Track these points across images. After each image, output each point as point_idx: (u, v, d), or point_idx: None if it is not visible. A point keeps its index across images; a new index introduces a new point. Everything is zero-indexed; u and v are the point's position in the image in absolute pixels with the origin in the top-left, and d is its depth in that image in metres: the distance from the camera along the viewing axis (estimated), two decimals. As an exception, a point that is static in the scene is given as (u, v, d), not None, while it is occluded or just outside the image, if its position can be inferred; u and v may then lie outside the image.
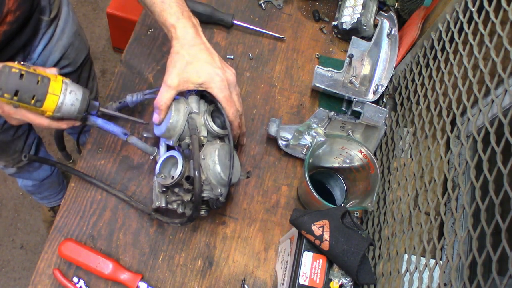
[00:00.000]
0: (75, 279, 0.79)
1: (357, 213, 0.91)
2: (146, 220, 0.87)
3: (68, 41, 1.06)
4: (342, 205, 0.91)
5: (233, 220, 0.90)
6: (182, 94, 0.80)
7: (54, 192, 1.56)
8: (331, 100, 1.04)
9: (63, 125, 0.75)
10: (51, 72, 0.73)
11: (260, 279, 0.86)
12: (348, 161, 0.91)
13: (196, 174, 0.70)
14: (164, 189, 0.79)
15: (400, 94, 0.95)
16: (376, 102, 0.99)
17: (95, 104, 0.76)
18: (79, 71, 1.18)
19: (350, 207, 0.85)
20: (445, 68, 0.78)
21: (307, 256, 0.71)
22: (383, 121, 0.93)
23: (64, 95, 0.70)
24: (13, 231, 1.80)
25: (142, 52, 1.02)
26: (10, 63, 0.68)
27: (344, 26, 1.09)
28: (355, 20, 1.07)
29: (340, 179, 0.96)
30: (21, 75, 0.67)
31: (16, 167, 1.27)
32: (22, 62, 0.70)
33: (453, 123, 0.72)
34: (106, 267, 0.79)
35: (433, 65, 0.83)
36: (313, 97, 1.05)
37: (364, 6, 1.09)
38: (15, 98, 0.67)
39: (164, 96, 0.76)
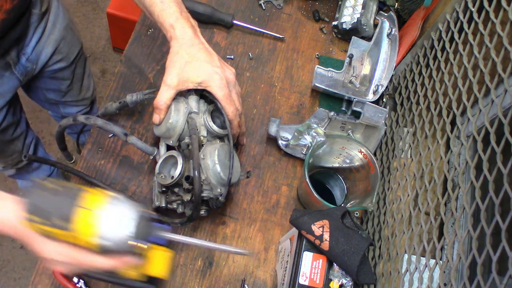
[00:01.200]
0: (75, 279, 0.79)
1: (357, 213, 0.91)
2: (146, 220, 0.87)
3: (60, 35, 1.07)
4: (342, 205, 0.91)
5: (233, 220, 0.90)
6: (182, 94, 0.80)
7: None
8: (331, 100, 1.04)
9: (121, 263, 0.55)
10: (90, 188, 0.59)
11: (260, 279, 0.86)
12: (348, 161, 0.91)
13: (196, 174, 0.70)
14: (164, 189, 0.79)
15: (400, 94, 0.95)
16: (376, 102, 0.99)
17: (163, 227, 0.60)
18: (73, 67, 1.19)
19: (350, 207, 0.85)
20: (445, 68, 0.78)
21: (307, 256, 0.71)
22: (383, 121, 0.93)
23: (102, 210, 0.53)
24: (13, 231, 1.80)
25: (142, 52, 1.02)
26: (38, 179, 0.59)
27: (344, 26, 1.09)
28: (355, 20, 1.07)
29: (340, 179, 0.96)
30: (48, 189, 0.54)
31: (15, 168, 1.27)
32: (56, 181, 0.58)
33: (453, 123, 0.72)
34: None
35: (433, 65, 0.83)
36: (313, 97, 1.05)
37: (364, 6, 1.09)
38: (48, 222, 0.52)
39: (163, 96, 0.76)
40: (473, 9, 0.73)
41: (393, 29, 1.02)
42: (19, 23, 0.91)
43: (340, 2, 1.15)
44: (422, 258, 0.67)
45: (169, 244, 0.61)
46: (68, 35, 1.11)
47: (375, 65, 1.02)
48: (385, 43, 1.03)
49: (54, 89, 1.21)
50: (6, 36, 0.88)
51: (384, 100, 1.00)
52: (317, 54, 1.10)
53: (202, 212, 0.79)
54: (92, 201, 0.53)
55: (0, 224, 0.56)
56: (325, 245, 0.68)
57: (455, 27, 0.78)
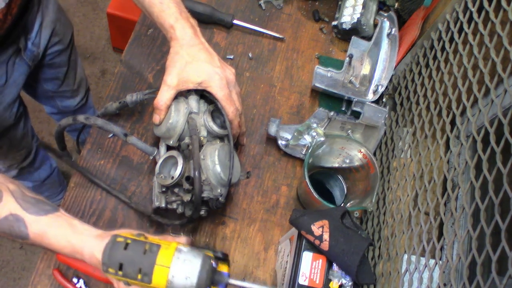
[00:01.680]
0: (75, 280, 0.79)
1: (357, 213, 0.91)
2: (146, 221, 0.87)
3: (55, 16, 1.10)
4: (342, 205, 0.91)
5: (233, 220, 0.90)
6: (182, 94, 0.80)
7: (55, 192, 1.56)
8: (331, 100, 1.04)
9: None
10: (169, 239, 0.65)
11: (260, 279, 0.86)
12: (347, 161, 0.91)
13: (196, 174, 0.70)
14: (164, 189, 0.79)
15: (400, 94, 0.95)
16: (376, 102, 0.99)
17: (223, 275, 0.63)
18: (69, 52, 1.22)
19: (350, 207, 0.85)
20: (445, 68, 0.78)
21: (307, 256, 0.70)
22: (383, 121, 0.93)
23: (176, 265, 0.58)
24: (13, 231, 1.80)
25: (142, 52, 1.02)
26: (118, 231, 0.64)
27: (344, 26, 1.09)
28: (355, 20, 1.07)
29: (340, 179, 0.96)
30: (126, 245, 0.60)
31: (19, 168, 1.28)
32: (137, 233, 0.64)
33: (453, 123, 0.72)
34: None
35: (433, 65, 0.83)
36: (313, 97, 1.05)
37: (364, 6, 1.09)
38: (120, 273, 0.59)
39: (163, 96, 0.76)
40: (473, 9, 0.73)
41: (393, 29, 1.02)
42: (28, 9, 0.94)
43: (340, 2, 1.15)
44: (421, 258, 0.67)
45: None
46: (61, 17, 1.15)
47: (375, 65, 1.02)
48: (385, 43, 1.03)
49: (52, 78, 1.24)
50: (19, 23, 0.91)
51: (384, 100, 1.00)
52: (317, 54, 1.10)
53: (202, 212, 0.79)
54: (165, 256, 0.59)
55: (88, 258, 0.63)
56: (325, 245, 0.68)
57: (455, 27, 0.78)
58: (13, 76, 1.01)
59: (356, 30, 1.08)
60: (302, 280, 0.69)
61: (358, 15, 1.07)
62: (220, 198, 0.76)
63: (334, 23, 1.11)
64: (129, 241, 0.60)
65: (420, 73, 0.87)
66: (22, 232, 0.63)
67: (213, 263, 0.63)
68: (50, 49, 1.14)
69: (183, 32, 0.77)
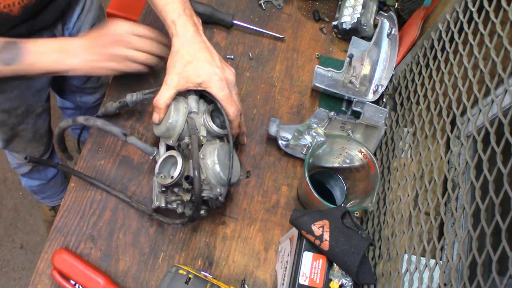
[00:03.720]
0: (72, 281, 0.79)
1: (357, 213, 0.91)
2: (146, 220, 0.87)
3: (96, 13, 1.11)
4: (342, 205, 0.91)
5: (233, 220, 0.90)
6: (182, 94, 0.80)
7: (57, 191, 1.56)
8: (331, 100, 1.04)
9: None
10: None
11: (260, 279, 0.86)
12: (348, 161, 0.91)
13: (196, 174, 0.70)
14: (164, 189, 0.79)
15: (400, 94, 0.95)
16: (376, 102, 0.99)
17: None
18: None
19: (350, 207, 0.85)
20: (445, 68, 0.78)
21: (307, 256, 0.70)
22: (383, 121, 0.93)
23: None
24: (13, 231, 1.80)
25: (142, 52, 1.02)
26: (179, 265, 0.67)
27: (344, 26, 1.09)
28: (355, 20, 1.07)
29: (340, 179, 0.96)
30: (189, 279, 0.64)
31: (32, 165, 1.28)
32: (196, 269, 0.69)
33: (453, 123, 0.72)
34: (97, 285, 0.76)
35: (433, 65, 0.83)
36: (313, 97, 1.05)
37: (364, 6, 1.09)
38: None
39: (163, 95, 0.76)
40: (473, 9, 0.73)
41: (393, 29, 1.02)
42: None
43: (340, 2, 1.15)
44: (422, 258, 0.67)
45: None
46: (101, 15, 1.15)
47: (375, 65, 1.02)
48: (385, 43, 1.03)
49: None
50: (49, 6, 0.91)
51: (384, 100, 1.00)
52: (317, 54, 1.10)
53: (202, 212, 0.79)
54: None
55: None
56: (325, 245, 0.68)
57: (455, 27, 0.78)
58: None
59: (356, 30, 1.08)
60: (302, 280, 0.69)
61: (358, 15, 1.07)
62: (219, 198, 0.76)
63: (334, 23, 1.11)
64: (191, 275, 0.63)
65: (420, 73, 0.87)
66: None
67: None
68: None
69: (185, 29, 0.76)
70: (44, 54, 0.76)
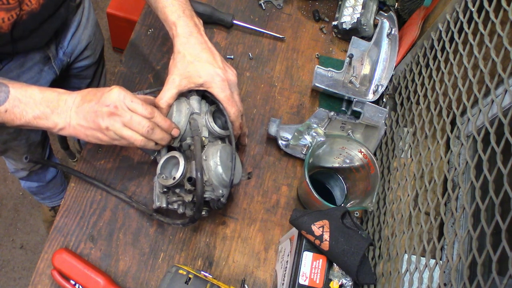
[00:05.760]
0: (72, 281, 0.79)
1: (357, 213, 0.91)
2: (146, 220, 0.87)
3: (92, 30, 1.09)
4: (342, 205, 0.91)
5: (233, 220, 0.90)
6: (184, 95, 0.80)
7: (57, 192, 1.56)
8: (331, 100, 1.04)
9: None
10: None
11: (260, 279, 0.86)
12: (348, 161, 0.91)
13: (199, 175, 0.70)
14: (165, 190, 0.79)
15: (400, 94, 0.95)
16: (376, 102, 0.99)
17: None
18: (97, 64, 1.21)
19: (350, 207, 0.85)
20: (445, 68, 0.78)
21: (307, 256, 0.71)
22: (383, 121, 0.93)
23: None
24: (13, 231, 1.80)
25: (142, 52, 1.02)
26: (179, 265, 0.67)
27: (344, 26, 1.09)
28: (355, 20, 1.07)
29: (340, 179, 0.96)
30: (189, 279, 0.65)
31: (29, 171, 1.28)
32: (196, 269, 0.69)
33: (453, 123, 0.72)
34: (97, 285, 0.76)
35: (433, 65, 0.83)
36: (313, 97, 1.05)
37: (364, 6, 1.09)
38: None
39: (165, 95, 0.76)
40: (473, 9, 0.73)
41: (393, 29, 1.02)
42: (57, 15, 0.90)
43: (340, 2, 1.15)
44: (422, 258, 0.67)
45: None
46: (97, 31, 1.13)
47: (375, 65, 1.02)
48: (385, 43, 1.03)
49: (74, 87, 1.23)
50: (45, 28, 0.87)
51: (384, 100, 1.00)
52: (317, 54, 1.10)
53: (203, 212, 0.79)
54: None
55: None
56: (325, 245, 0.68)
57: (455, 27, 0.78)
58: (39, 83, 0.99)
59: (356, 30, 1.08)
60: (302, 280, 0.69)
61: (358, 15, 1.07)
62: (221, 199, 0.76)
63: (334, 23, 1.11)
64: (191, 275, 0.64)
65: (420, 73, 0.87)
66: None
67: None
68: (80, 62, 1.12)
69: (186, 30, 0.76)
70: (30, 105, 0.68)
